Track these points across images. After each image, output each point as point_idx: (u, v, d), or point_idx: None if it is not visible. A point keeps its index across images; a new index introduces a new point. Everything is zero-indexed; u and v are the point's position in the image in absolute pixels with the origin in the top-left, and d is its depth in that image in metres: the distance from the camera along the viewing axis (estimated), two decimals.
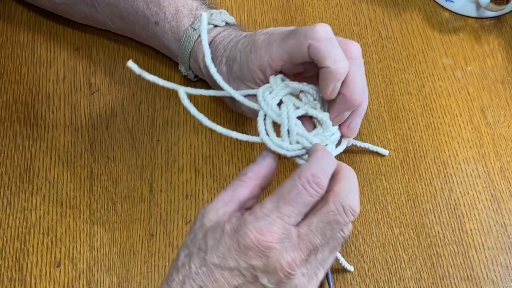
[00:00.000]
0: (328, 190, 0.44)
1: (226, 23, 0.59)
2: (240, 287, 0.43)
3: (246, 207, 0.46)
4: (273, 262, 0.42)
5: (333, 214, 0.43)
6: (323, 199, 0.44)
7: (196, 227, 0.45)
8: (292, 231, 0.43)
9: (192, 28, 0.57)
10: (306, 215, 0.44)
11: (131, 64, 0.51)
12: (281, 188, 0.44)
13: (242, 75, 0.52)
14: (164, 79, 0.63)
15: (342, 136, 0.52)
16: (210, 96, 0.62)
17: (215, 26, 0.58)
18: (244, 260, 0.43)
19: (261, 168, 0.47)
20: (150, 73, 0.63)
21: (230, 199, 0.46)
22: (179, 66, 0.61)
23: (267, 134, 0.50)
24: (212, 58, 0.53)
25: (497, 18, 0.70)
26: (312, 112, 0.50)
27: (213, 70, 0.52)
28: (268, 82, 0.51)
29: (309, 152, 0.48)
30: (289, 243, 0.43)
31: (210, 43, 0.56)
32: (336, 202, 0.43)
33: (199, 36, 0.57)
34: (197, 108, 0.61)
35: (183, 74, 0.61)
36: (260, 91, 0.50)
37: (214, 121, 0.60)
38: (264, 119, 0.50)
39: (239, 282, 0.43)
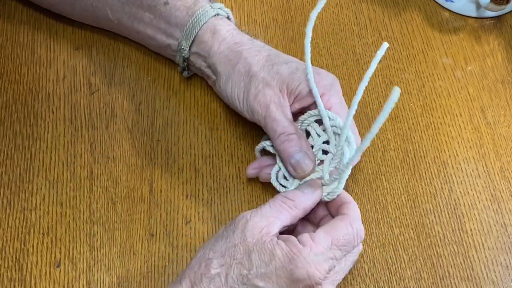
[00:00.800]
0: (343, 213, 0.49)
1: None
2: None
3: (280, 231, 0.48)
4: (313, 282, 0.45)
5: (352, 233, 0.48)
6: (341, 220, 0.49)
7: (236, 238, 0.46)
8: (332, 258, 0.47)
9: (210, 5, 0.58)
10: None
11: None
12: (334, 229, 0.48)
13: (288, 79, 0.54)
14: (164, 79, 0.63)
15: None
16: (210, 96, 0.62)
17: (228, 17, 0.59)
18: (295, 282, 0.45)
19: (309, 202, 0.50)
20: (150, 73, 0.63)
21: (274, 220, 0.47)
22: (177, 43, 0.59)
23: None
24: (243, 41, 0.56)
25: (497, 18, 0.70)
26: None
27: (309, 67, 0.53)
28: None
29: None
30: (331, 274, 0.47)
31: (234, 29, 0.58)
32: (354, 226, 0.48)
33: (215, 15, 0.58)
34: (197, 108, 0.61)
35: (181, 48, 0.58)
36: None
37: (213, 122, 0.60)
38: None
39: None
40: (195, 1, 0.58)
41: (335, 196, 0.51)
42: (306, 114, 0.54)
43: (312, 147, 0.54)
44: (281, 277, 0.44)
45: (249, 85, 0.54)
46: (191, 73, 0.62)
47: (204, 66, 0.59)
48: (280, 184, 0.54)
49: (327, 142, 0.54)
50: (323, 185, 0.51)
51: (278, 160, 0.54)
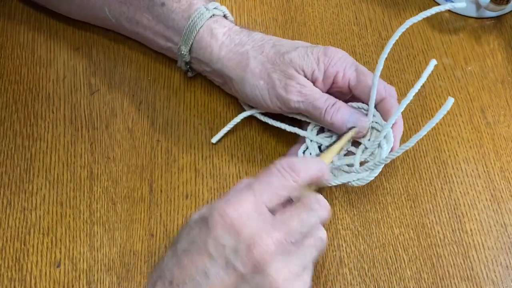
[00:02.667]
0: None
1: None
2: (210, 272, 0.40)
3: None
4: (245, 238, 0.40)
5: (308, 201, 0.43)
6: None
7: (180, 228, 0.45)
8: (266, 210, 0.41)
9: (205, 7, 0.57)
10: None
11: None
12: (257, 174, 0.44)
13: (303, 64, 0.54)
14: (164, 79, 0.63)
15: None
16: (210, 96, 0.62)
17: (224, 16, 0.59)
18: (212, 238, 0.40)
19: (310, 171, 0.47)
20: (150, 73, 0.63)
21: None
22: (177, 48, 0.58)
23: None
24: (242, 40, 0.56)
25: (497, 18, 0.70)
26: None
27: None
28: None
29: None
30: (263, 221, 0.41)
31: (230, 27, 0.57)
32: (311, 194, 0.45)
33: (211, 16, 0.57)
34: (198, 108, 0.61)
35: (181, 53, 0.58)
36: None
37: (213, 122, 0.60)
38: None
39: (208, 266, 0.40)
40: (190, 3, 0.58)
41: (363, 183, 0.53)
42: (354, 104, 0.55)
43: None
44: (201, 231, 0.41)
45: (271, 81, 0.54)
46: (195, 73, 0.62)
47: (208, 71, 0.59)
48: None
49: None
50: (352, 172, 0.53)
51: (308, 140, 0.56)
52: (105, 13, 0.61)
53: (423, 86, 0.64)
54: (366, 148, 0.55)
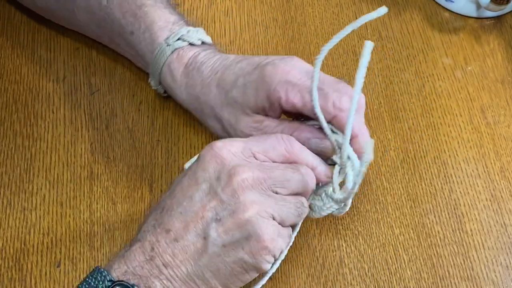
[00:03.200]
0: None
1: (203, 42, 0.57)
2: (194, 197, 0.44)
3: None
4: (228, 169, 0.44)
5: (299, 164, 0.47)
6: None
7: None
8: (253, 158, 0.45)
9: (166, 43, 0.55)
10: None
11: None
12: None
13: (245, 101, 0.51)
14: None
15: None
16: None
17: (190, 44, 0.56)
18: (201, 167, 0.44)
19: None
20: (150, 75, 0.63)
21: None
22: (149, 79, 0.59)
23: None
24: (194, 79, 0.55)
25: (497, 18, 0.70)
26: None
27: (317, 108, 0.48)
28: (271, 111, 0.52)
29: None
30: (248, 162, 0.45)
31: (187, 63, 0.55)
32: (307, 161, 0.48)
33: (173, 51, 0.55)
34: None
35: (153, 88, 0.59)
36: None
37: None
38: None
39: (194, 193, 0.44)
40: (153, 38, 0.56)
41: (343, 212, 0.51)
42: (309, 122, 0.51)
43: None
44: (194, 165, 0.45)
45: (223, 126, 0.54)
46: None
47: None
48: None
49: None
50: (332, 198, 0.50)
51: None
52: (90, 31, 0.62)
53: (423, 85, 0.64)
54: (340, 168, 0.50)
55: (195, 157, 0.48)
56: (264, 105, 0.51)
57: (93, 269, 0.44)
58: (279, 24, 0.68)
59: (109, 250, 0.54)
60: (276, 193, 0.45)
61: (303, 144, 0.49)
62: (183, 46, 0.56)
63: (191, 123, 0.60)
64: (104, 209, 0.55)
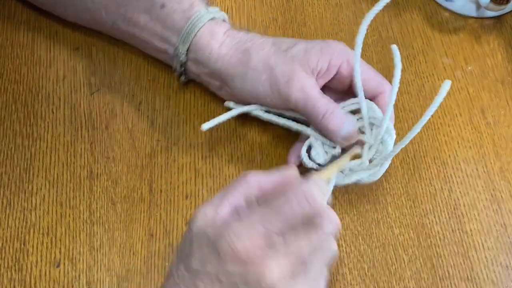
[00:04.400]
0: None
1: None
2: None
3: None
4: (253, 270, 0.40)
5: (319, 220, 0.43)
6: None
7: (186, 233, 0.44)
8: (276, 238, 0.41)
9: (207, 9, 0.57)
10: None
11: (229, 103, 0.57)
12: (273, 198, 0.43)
13: (306, 59, 0.54)
14: (164, 79, 0.63)
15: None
16: (210, 96, 0.62)
17: (223, 20, 0.59)
18: (222, 267, 0.41)
19: (269, 181, 0.46)
20: (150, 73, 0.63)
21: (220, 202, 0.44)
22: (173, 48, 0.58)
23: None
24: (242, 39, 0.56)
25: (497, 18, 0.69)
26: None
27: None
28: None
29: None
30: (273, 251, 0.41)
31: (229, 28, 0.58)
32: (321, 211, 0.43)
33: (211, 19, 0.57)
34: (197, 108, 0.61)
35: (178, 53, 0.58)
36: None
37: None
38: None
39: None
40: (191, 5, 0.57)
41: (375, 179, 0.53)
42: (348, 101, 0.55)
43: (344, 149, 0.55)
44: (210, 255, 0.41)
45: (274, 75, 0.54)
46: (188, 79, 0.61)
47: (205, 73, 0.58)
48: (315, 163, 0.54)
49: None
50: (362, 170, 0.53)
51: (312, 137, 0.55)
52: (101, 15, 0.61)
53: (423, 85, 0.64)
54: (370, 145, 0.54)
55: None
56: (323, 67, 0.54)
57: None
58: (279, 24, 0.68)
59: (109, 250, 0.54)
60: (307, 263, 0.42)
61: (335, 131, 0.53)
62: (219, 18, 0.58)
63: (191, 123, 0.60)
64: (104, 209, 0.55)
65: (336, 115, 0.53)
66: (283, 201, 0.42)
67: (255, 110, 0.56)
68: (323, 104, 0.53)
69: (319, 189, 0.44)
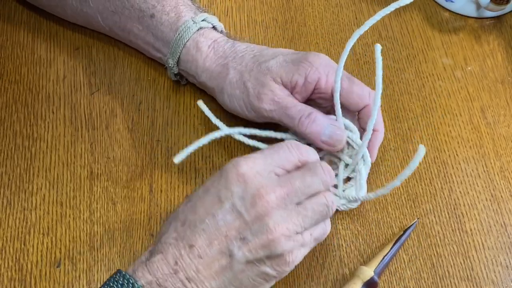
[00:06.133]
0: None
1: (221, 30, 0.60)
2: (218, 216, 0.45)
3: None
4: (251, 188, 0.45)
5: (313, 167, 0.48)
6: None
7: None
8: (272, 174, 0.46)
9: (193, 21, 0.57)
10: None
11: (200, 103, 0.57)
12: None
13: (279, 71, 0.54)
14: (164, 79, 0.63)
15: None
16: (210, 96, 0.62)
17: (213, 27, 0.59)
18: (224, 185, 0.45)
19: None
20: (150, 73, 0.63)
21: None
22: (166, 59, 0.59)
23: None
24: (225, 52, 0.56)
25: (497, 18, 0.70)
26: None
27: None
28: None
29: None
30: (269, 179, 0.45)
31: (216, 39, 0.57)
32: (315, 162, 0.48)
33: (199, 29, 0.57)
34: (197, 108, 0.61)
35: (168, 66, 0.59)
36: None
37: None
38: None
39: (217, 210, 0.45)
40: (178, 16, 0.58)
41: (351, 208, 0.54)
42: (332, 116, 0.54)
43: (322, 158, 0.55)
44: (215, 181, 0.46)
45: (246, 90, 0.54)
46: (186, 82, 0.62)
47: (197, 83, 0.60)
48: None
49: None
50: (336, 195, 0.54)
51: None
52: (98, 21, 0.61)
53: (423, 85, 0.64)
54: (347, 164, 0.55)
55: (185, 151, 0.50)
56: (298, 80, 0.53)
57: (116, 273, 0.44)
58: (279, 24, 0.68)
59: (109, 250, 0.54)
60: (299, 203, 0.47)
61: (318, 131, 0.52)
62: (207, 26, 0.58)
63: (191, 123, 0.60)
64: (104, 209, 0.55)
65: (313, 117, 0.53)
66: (279, 145, 0.48)
67: (224, 133, 0.55)
68: (296, 110, 0.53)
69: (306, 148, 0.49)
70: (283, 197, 0.45)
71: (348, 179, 0.56)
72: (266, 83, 0.54)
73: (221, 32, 0.60)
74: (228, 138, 0.60)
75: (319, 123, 0.52)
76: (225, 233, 0.44)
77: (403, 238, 0.54)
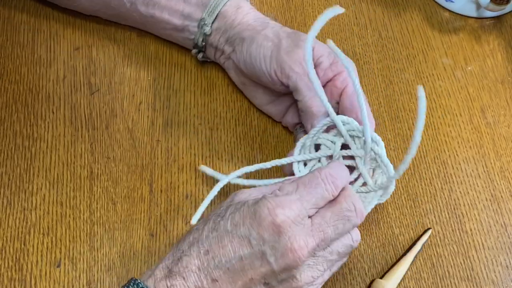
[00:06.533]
0: (338, 195, 0.47)
1: None
2: (245, 259, 0.43)
3: None
4: (284, 240, 0.43)
5: (346, 210, 0.46)
6: (334, 201, 0.46)
7: (224, 202, 0.47)
8: (306, 218, 0.45)
9: None
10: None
11: (204, 168, 0.56)
12: (300, 178, 0.46)
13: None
14: (164, 79, 0.63)
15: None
16: (210, 96, 0.62)
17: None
18: (256, 230, 0.44)
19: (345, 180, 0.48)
20: (150, 73, 0.63)
21: (266, 191, 0.47)
22: (195, 24, 0.59)
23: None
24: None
25: (497, 18, 0.70)
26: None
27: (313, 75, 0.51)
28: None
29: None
30: (303, 228, 0.44)
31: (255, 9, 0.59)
32: (348, 201, 0.46)
33: None
34: (197, 108, 0.61)
35: (204, 23, 0.59)
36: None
37: (213, 122, 0.60)
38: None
39: (245, 253, 0.43)
40: None
41: (388, 196, 0.52)
42: (316, 127, 0.52)
43: (331, 157, 0.53)
44: (246, 218, 0.44)
45: (279, 43, 0.55)
46: (205, 58, 0.62)
47: (222, 42, 0.59)
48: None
49: (344, 147, 0.53)
50: (367, 191, 0.52)
51: (294, 165, 0.53)
52: None
53: (423, 85, 0.64)
54: (361, 158, 0.52)
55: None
56: (323, 62, 0.54)
57: (130, 281, 0.44)
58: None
59: (109, 250, 0.54)
60: (329, 246, 0.46)
61: (316, 113, 0.52)
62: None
63: (191, 123, 0.60)
64: (104, 209, 0.55)
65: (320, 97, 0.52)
66: (315, 182, 0.46)
67: (233, 179, 0.54)
68: (317, 84, 0.51)
69: (340, 175, 0.48)
70: (314, 248, 0.44)
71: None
72: (299, 46, 0.54)
73: None
74: (228, 139, 0.60)
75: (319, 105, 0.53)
76: (250, 276, 0.44)
77: (417, 249, 0.54)
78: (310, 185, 0.46)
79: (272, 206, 0.44)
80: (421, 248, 0.54)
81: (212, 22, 0.59)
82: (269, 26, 0.57)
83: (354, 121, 0.52)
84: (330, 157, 0.53)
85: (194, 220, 0.50)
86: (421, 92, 0.47)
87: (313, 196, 0.45)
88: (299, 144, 0.53)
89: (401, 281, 0.53)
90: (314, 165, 0.53)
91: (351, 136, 0.52)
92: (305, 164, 0.53)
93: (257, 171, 0.55)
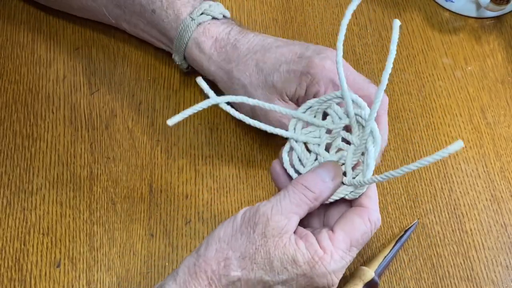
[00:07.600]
0: (362, 206, 0.47)
1: (223, 16, 0.59)
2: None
3: None
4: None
5: (370, 229, 0.46)
6: (360, 217, 0.46)
7: (257, 239, 0.44)
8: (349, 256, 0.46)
9: (191, 17, 0.57)
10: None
11: (199, 80, 0.51)
12: (353, 228, 0.45)
13: (285, 88, 0.52)
14: (164, 79, 0.63)
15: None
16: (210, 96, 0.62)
17: (213, 18, 0.58)
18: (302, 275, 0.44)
19: (328, 193, 0.47)
20: (150, 73, 0.63)
21: (293, 216, 0.45)
22: (173, 55, 0.60)
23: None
24: (228, 54, 0.55)
25: (497, 18, 0.70)
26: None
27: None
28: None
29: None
30: (345, 265, 0.46)
31: (217, 38, 0.57)
32: (372, 221, 0.46)
33: (198, 25, 0.57)
34: None
35: (176, 63, 0.60)
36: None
37: (213, 122, 0.61)
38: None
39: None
40: (177, 13, 0.57)
41: (358, 196, 0.47)
42: (330, 93, 0.48)
43: (330, 131, 0.49)
44: (301, 284, 0.44)
45: (252, 106, 0.52)
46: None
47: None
48: (295, 170, 0.49)
49: (346, 129, 0.49)
50: (344, 183, 0.47)
51: (290, 140, 0.49)
52: (104, 14, 0.61)
53: (423, 85, 0.64)
54: (356, 147, 0.47)
55: (181, 114, 0.46)
56: (300, 94, 0.52)
57: None
58: (279, 24, 0.68)
59: (109, 250, 0.54)
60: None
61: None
62: (207, 20, 0.57)
63: (191, 123, 0.60)
64: (104, 209, 0.55)
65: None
66: (365, 237, 0.46)
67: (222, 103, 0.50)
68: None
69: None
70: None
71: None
72: (272, 101, 0.53)
73: (224, 17, 0.59)
74: (228, 139, 0.60)
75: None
76: None
77: (403, 238, 0.54)
78: (362, 241, 0.46)
79: (330, 278, 0.44)
80: (405, 235, 0.54)
81: (184, 59, 0.59)
82: (234, 78, 0.55)
83: (367, 108, 0.47)
84: (329, 131, 0.49)
85: (171, 122, 0.47)
86: (396, 23, 0.45)
87: (359, 237, 0.46)
88: (305, 105, 0.50)
89: (400, 280, 0.53)
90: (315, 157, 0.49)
91: (358, 122, 0.48)
92: (308, 150, 0.49)
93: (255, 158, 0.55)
